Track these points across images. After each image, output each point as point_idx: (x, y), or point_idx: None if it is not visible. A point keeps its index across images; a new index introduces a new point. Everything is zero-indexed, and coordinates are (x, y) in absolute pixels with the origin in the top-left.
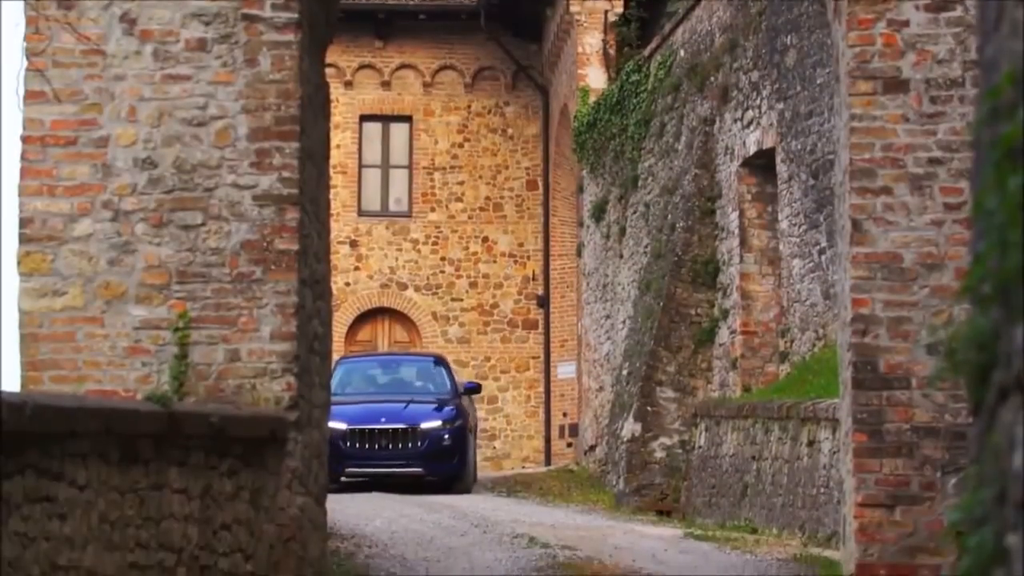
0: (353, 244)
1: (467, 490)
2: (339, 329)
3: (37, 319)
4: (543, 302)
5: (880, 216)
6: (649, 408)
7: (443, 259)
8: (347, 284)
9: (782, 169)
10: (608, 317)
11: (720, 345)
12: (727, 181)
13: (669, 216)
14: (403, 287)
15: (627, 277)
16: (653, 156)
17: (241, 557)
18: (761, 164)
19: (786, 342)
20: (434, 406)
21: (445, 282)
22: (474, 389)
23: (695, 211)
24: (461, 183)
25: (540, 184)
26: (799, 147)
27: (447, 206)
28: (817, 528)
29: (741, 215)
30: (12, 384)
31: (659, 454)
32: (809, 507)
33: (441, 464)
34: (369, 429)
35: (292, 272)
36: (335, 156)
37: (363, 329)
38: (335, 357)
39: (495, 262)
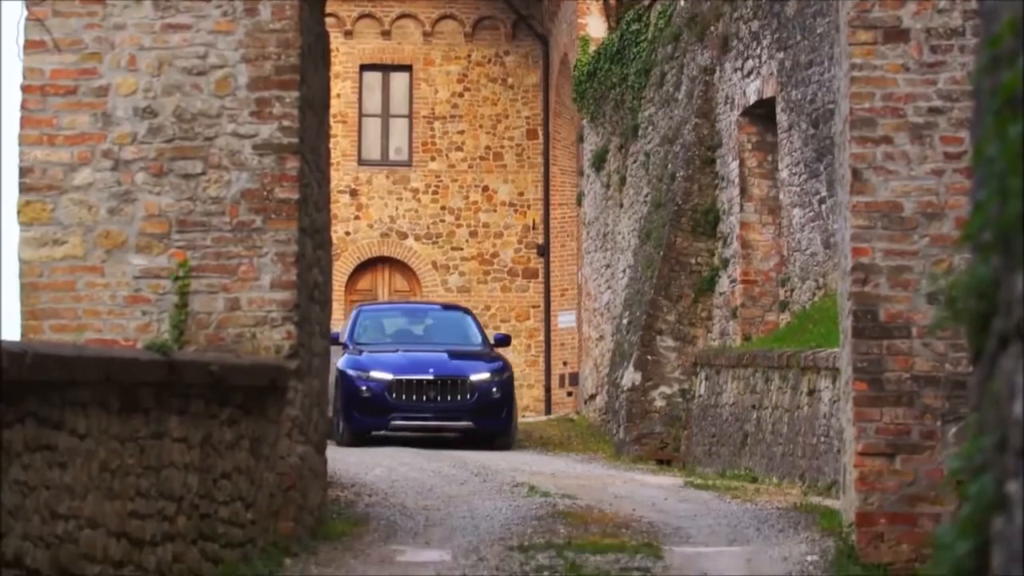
0: (353, 193)
1: (510, 446)
2: (339, 278)
3: (37, 268)
4: (543, 251)
5: (880, 165)
6: (649, 357)
7: (443, 208)
8: (347, 233)
9: (782, 118)
10: (608, 266)
11: (720, 294)
12: (727, 130)
13: (669, 165)
14: (403, 236)
15: (627, 226)
16: (653, 105)
17: (241, 505)
18: (761, 113)
19: (786, 291)
20: (480, 358)
21: (445, 231)
22: (503, 341)
23: (695, 160)
24: (461, 132)
25: (540, 133)
26: (799, 96)
27: (447, 155)
28: (817, 477)
29: (741, 164)
30: (12, 333)
31: (659, 403)
32: (809, 456)
33: (490, 418)
34: (417, 380)
35: (292, 221)
36: (335, 105)
37: (363, 278)
38: (346, 307)
39: (495, 211)
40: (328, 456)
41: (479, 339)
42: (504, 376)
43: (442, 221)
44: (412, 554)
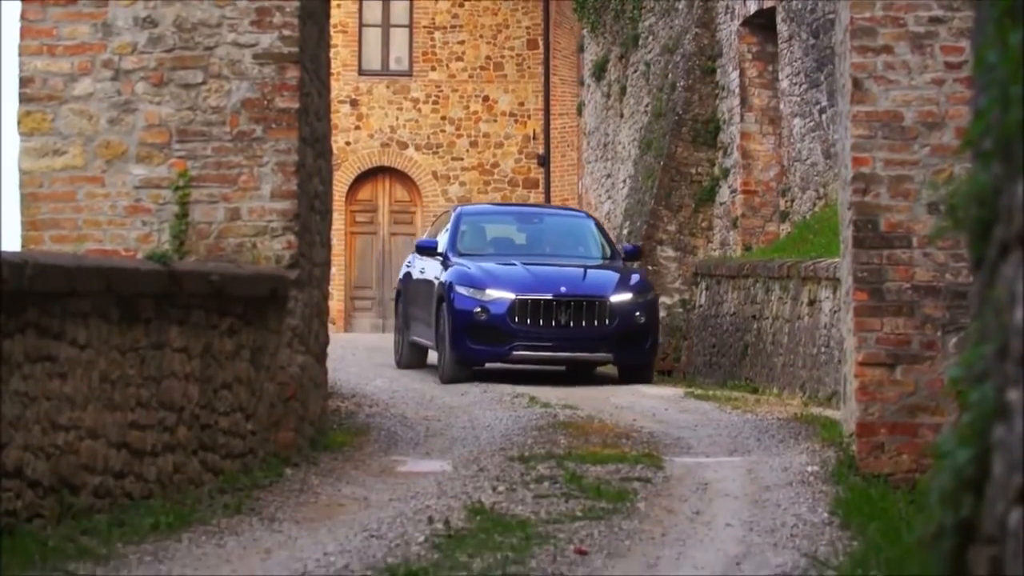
0: (353, 103)
1: (650, 379)
2: (339, 188)
3: (37, 179)
4: (543, 161)
5: (881, 75)
6: (649, 267)
7: (443, 118)
8: (347, 143)
9: (782, 28)
10: (608, 176)
11: (721, 204)
12: (728, 40)
13: (670, 75)
14: (403, 146)
15: (627, 136)
16: (653, 15)
17: (241, 416)
18: (761, 23)
19: (787, 201)
20: (619, 274)
21: (446, 141)
22: (634, 253)
23: (695, 70)
24: (461, 42)
25: (541, 43)
26: (799, 6)
27: (447, 65)
28: (818, 387)
29: (742, 74)
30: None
31: (660, 313)
32: (809, 367)
33: (633, 349)
34: (545, 301)
35: (292, 130)
36: (335, 15)
37: (363, 188)
38: (346, 217)
39: (495, 121)
40: (328, 366)
41: (607, 251)
42: (648, 297)
43: (442, 131)
44: (413, 464)
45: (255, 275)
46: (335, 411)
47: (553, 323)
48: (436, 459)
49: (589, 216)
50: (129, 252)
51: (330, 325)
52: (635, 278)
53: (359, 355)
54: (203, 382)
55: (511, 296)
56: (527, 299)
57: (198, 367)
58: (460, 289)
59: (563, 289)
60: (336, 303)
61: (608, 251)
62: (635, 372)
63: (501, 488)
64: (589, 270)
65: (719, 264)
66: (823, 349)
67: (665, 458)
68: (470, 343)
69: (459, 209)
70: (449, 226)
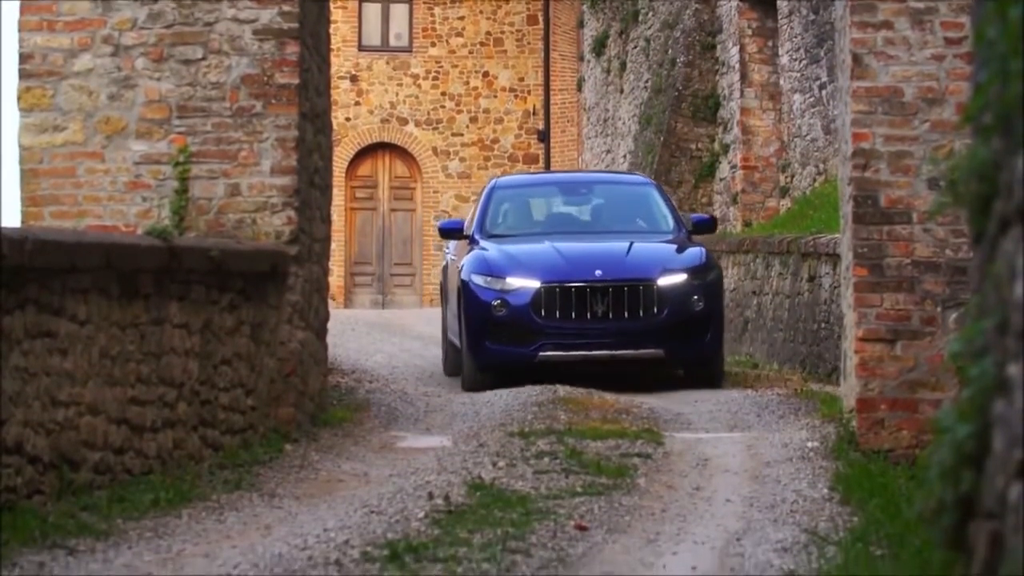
0: (353, 79)
1: (719, 381)
2: (339, 164)
3: (37, 154)
4: (543, 137)
5: (881, 50)
6: None
7: (443, 94)
8: (347, 119)
9: (782, 3)
10: (608, 152)
11: (721, 180)
12: (728, 16)
13: (670, 51)
14: (403, 122)
15: (627, 112)
16: None
17: (241, 392)
18: None
19: (787, 177)
20: (671, 248)
21: (446, 117)
22: (706, 225)
23: (695, 46)
24: (462, 18)
25: (541, 18)
26: None
27: (447, 41)
28: (818, 363)
29: (742, 50)
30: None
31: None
32: (810, 342)
33: (689, 342)
34: (577, 288)
35: (292, 106)
36: None
37: (363, 164)
38: (346, 193)
39: (495, 97)
40: (328, 342)
41: (670, 222)
42: (709, 278)
43: (442, 107)
44: (412, 440)
45: (255, 251)
46: (335, 387)
47: (588, 315)
48: (436, 435)
49: (651, 182)
50: (129, 228)
51: (330, 301)
52: (692, 254)
53: (359, 331)
54: (203, 358)
55: (535, 284)
56: (555, 287)
57: (198, 343)
58: (476, 279)
59: (599, 272)
60: (336, 279)
61: (671, 223)
62: (695, 370)
63: (501, 464)
64: (635, 246)
65: (719, 240)
66: (823, 325)
67: (665, 434)
68: (489, 344)
69: (494, 182)
70: (480, 201)
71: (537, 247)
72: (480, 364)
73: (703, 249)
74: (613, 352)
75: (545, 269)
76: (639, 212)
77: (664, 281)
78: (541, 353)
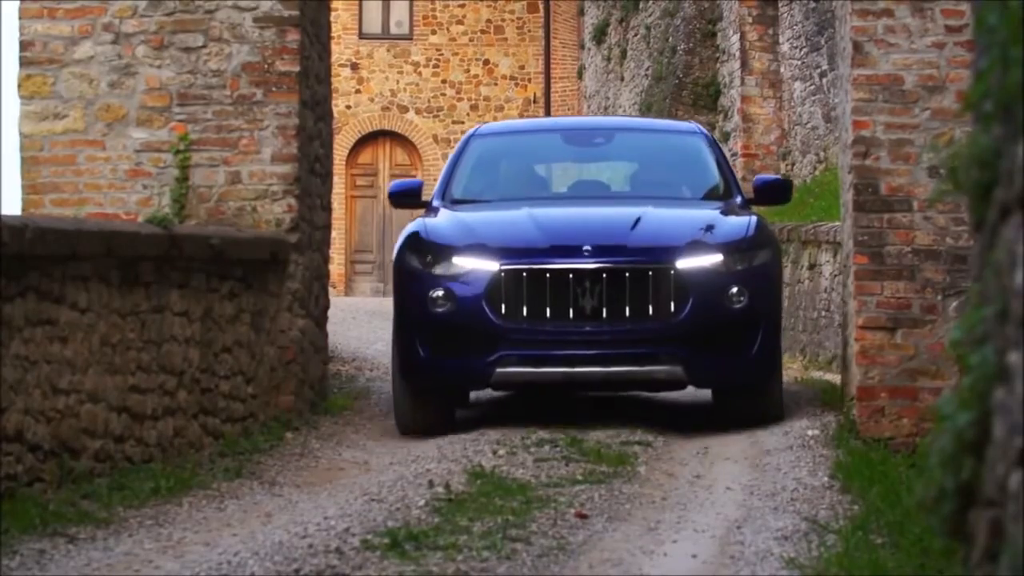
0: (354, 67)
1: (776, 414)
2: (340, 152)
3: (38, 142)
4: None
5: (881, 38)
6: None
7: (444, 82)
8: (348, 107)
9: None
10: None
11: None
12: (728, 3)
13: (670, 39)
14: (404, 110)
15: (628, 100)
16: None
17: (242, 379)
18: None
19: (787, 165)
20: (705, 217)
21: (446, 105)
22: (776, 189)
23: (696, 34)
24: (462, 5)
25: (541, 6)
26: None
27: (448, 28)
28: (818, 351)
29: (742, 38)
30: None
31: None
32: (810, 330)
33: (724, 356)
34: (555, 273)
35: (293, 94)
36: None
37: (364, 152)
38: (347, 181)
39: (496, 85)
40: (328, 330)
41: (720, 187)
42: (758, 260)
43: (443, 95)
44: None
45: (255, 239)
46: (335, 375)
47: (572, 313)
48: None
49: (699, 130)
50: (129, 216)
51: (330, 289)
52: (734, 226)
53: (360, 319)
54: (203, 346)
55: (492, 266)
56: (522, 271)
57: (198, 331)
58: (410, 260)
59: (587, 250)
60: (336, 267)
61: (722, 188)
62: (736, 403)
63: (501, 452)
64: (647, 214)
65: None
66: (823, 313)
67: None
68: (425, 356)
69: (474, 128)
70: (450, 157)
71: (505, 214)
72: (414, 386)
73: (754, 218)
74: (607, 370)
75: (509, 245)
76: (678, 172)
77: (687, 264)
78: (500, 369)
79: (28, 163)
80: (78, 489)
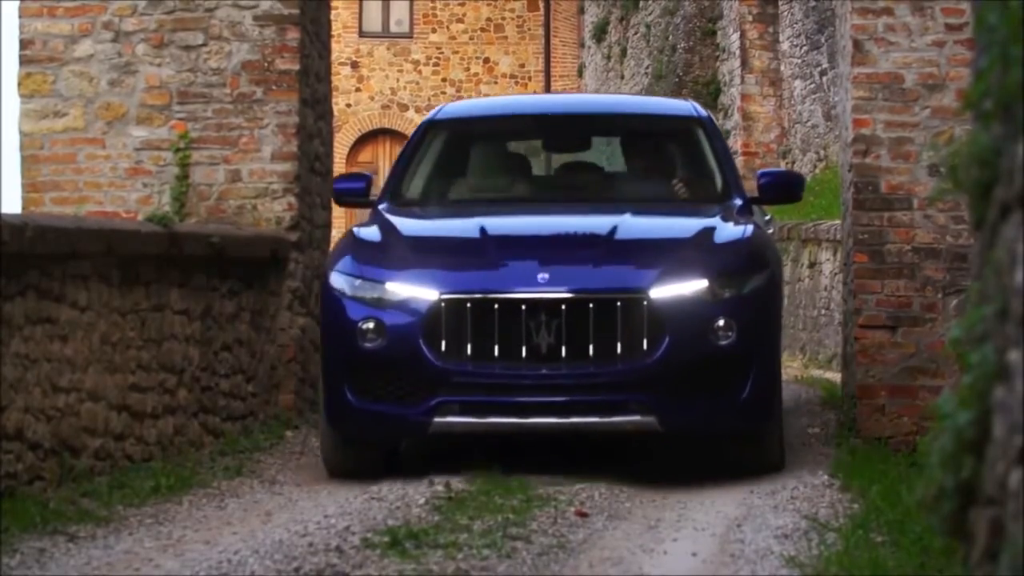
0: (354, 65)
1: (775, 464)
2: (340, 150)
3: (38, 141)
4: None
5: (881, 37)
6: None
7: (444, 80)
8: (348, 106)
9: None
10: None
11: None
12: (728, 2)
13: (670, 37)
14: (404, 108)
15: None
16: None
17: (242, 378)
18: None
19: (787, 163)
20: (694, 228)
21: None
22: (782, 187)
23: (696, 32)
24: (462, 4)
25: (541, 5)
26: None
27: (448, 27)
28: (818, 350)
29: (742, 36)
30: (13, 206)
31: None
32: (810, 329)
33: (708, 402)
34: (505, 303)
35: (293, 92)
36: None
37: (364, 150)
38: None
39: (496, 83)
40: None
41: (718, 184)
42: (750, 286)
43: (443, 93)
44: None
45: (255, 237)
46: None
47: (526, 352)
48: None
49: (696, 113)
50: (129, 214)
51: None
52: (726, 241)
53: None
54: (203, 344)
55: (431, 295)
56: (465, 300)
57: (198, 329)
58: (337, 282)
59: (543, 276)
60: None
61: (719, 185)
62: (727, 452)
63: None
64: (622, 226)
65: None
66: (823, 311)
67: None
68: (353, 399)
69: (434, 111)
70: (405, 146)
71: (452, 225)
72: (342, 432)
73: (749, 231)
74: (566, 421)
75: (452, 267)
76: (667, 166)
77: (663, 292)
78: (438, 419)
79: (28, 161)
80: (78, 487)
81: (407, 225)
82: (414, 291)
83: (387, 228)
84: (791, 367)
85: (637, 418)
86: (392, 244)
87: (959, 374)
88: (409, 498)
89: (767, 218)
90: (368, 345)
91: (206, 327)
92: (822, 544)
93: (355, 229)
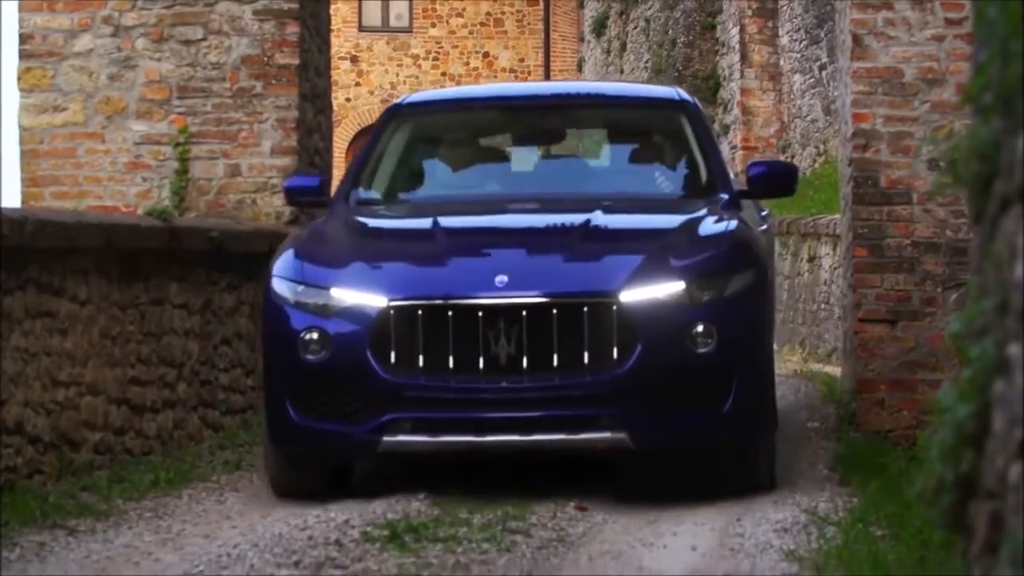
0: (354, 60)
1: (765, 481)
2: (340, 145)
3: (38, 135)
4: None
5: (881, 31)
6: None
7: (444, 74)
8: (348, 100)
9: None
10: None
11: None
12: None
13: (670, 31)
14: None
15: None
16: None
17: (241, 372)
18: None
19: (787, 157)
20: (672, 224)
21: None
22: (774, 179)
23: (696, 26)
24: None
25: None
26: None
27: (448, 21)
28: (817, 344)
29: (742, 30)
30: (12, 200)
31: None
32: (810, 323)
33: (683, 418)
34: (460, 310)
35: (293, 86)
36: None
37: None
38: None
39: (496, 77)
40: None
41: (702, 177)
42: (732, 288)
43: (443, 87)
44: None
45: (255, 231)
46: None
47: (483, 364)
48: None
49: (681, 98)
50: (129, 208)
51: None
52: (708, 239)
53: None
54: (203, 338)
55: (379, 302)
56: (415, 307)
57: (198, 323)
58: (279, 288)
59: (502, 280)
60: None
61: (704, 178)
62: (708, 472)
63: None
64: (596, 221)
65: None
66: (823, 305)
67: None
68: (296, 416)
69: (396, 104)
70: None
71: (405, 225)
72: (284, 451)
73: (732, 227)
74: (528, 439)
75: (402, 271)
76: (648, 157)
77: (634, 296)
78: (388, 437)
79: (28, 156)
80: (78, 481)
81: (357, 224)
82: (360, 297)
83: (335, 227)
84: (790, 361)
85: (607, 435)
86: (340, 245)
87: (959, 368)
88: (409, 492)
89: (764, 213)
90: (311, 357)
91: (206, 321)
92: (822, 538)
93: (299, 230)
